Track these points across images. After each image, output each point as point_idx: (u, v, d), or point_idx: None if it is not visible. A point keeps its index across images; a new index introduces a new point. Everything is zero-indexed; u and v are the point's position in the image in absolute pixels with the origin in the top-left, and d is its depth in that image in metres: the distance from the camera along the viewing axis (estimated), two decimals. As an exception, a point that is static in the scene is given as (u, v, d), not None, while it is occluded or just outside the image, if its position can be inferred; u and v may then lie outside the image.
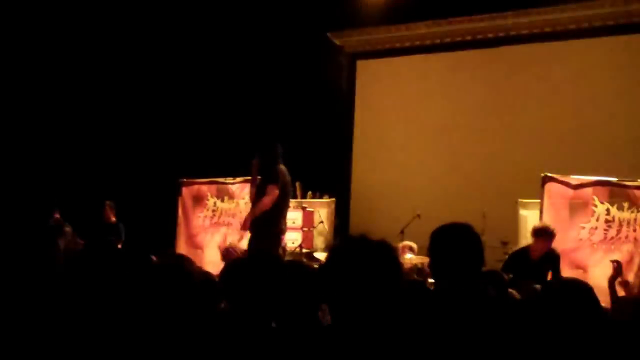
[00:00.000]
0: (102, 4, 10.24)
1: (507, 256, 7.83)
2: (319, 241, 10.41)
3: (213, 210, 10.37)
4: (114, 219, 10.06)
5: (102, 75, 10.85)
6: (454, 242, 2.97)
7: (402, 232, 9.81)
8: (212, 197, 10.35)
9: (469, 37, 11.09)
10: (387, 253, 2.06)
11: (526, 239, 9.09)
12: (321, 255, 8.80)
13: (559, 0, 10.17)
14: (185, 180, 10.56)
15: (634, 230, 7.87)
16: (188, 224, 10.46)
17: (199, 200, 10.42)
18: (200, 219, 10.40)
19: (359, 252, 2.04)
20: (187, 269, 2.97)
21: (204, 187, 10.45)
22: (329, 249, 2.12)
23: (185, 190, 10.54)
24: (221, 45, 11.25)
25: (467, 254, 2.96)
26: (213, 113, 11.55)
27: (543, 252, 7.13)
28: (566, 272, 7.33)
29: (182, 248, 10.28)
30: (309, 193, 10.73)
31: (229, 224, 10.09)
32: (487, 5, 10.40)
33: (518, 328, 2.77)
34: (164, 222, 10.43)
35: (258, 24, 11.01)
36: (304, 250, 9.74)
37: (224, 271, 3.32)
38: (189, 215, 10.47)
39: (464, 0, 10.40)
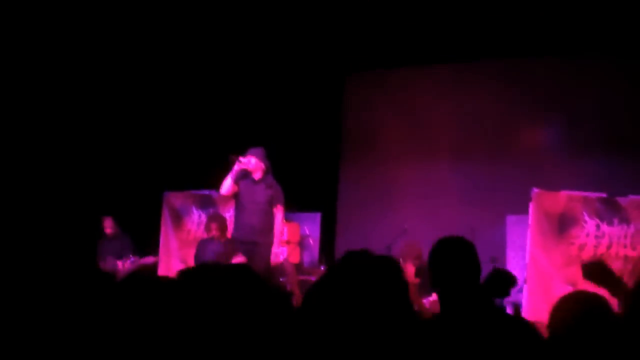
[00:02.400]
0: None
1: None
2: (305, 255, 10.31)
3: (198, 224, 10.26)
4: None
5: (88, 84, 10.71)
6: (454, 255, 3.19)
7: (388, 246, 9.73)
8: (197, 209, 10.24)
9: (458, 50, 11.02)
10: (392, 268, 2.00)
11: (515, 254, 9.06)
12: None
13: (548, 14, 10.11)
14: (169, 192, 10.45)
15: (624, 247, 7.80)
16: (172, 237, 10.33)
17: (183, 213, 10.30)
18: (184, 232, 10.29)
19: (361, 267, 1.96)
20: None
21: (189, 200, 10.34)
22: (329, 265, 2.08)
23: (169, 203, 10.43)
24: (205, 58, 11.17)
25: (467, 266, 3.18)
26: (199, 125, 11.45)
27: None
28: (556, 287, 7.26)
29: (165, 261, 10.15)
30: (295, 207, 10.62)
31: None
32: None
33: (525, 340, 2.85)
34: (147, 235, 10.30)
35: (243, 36, 10.93)
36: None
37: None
38: (173, 228, 10.35)
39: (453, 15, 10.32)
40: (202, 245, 9.10)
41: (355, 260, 1.99)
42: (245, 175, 7.59)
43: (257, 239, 7.42)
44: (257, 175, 7.55)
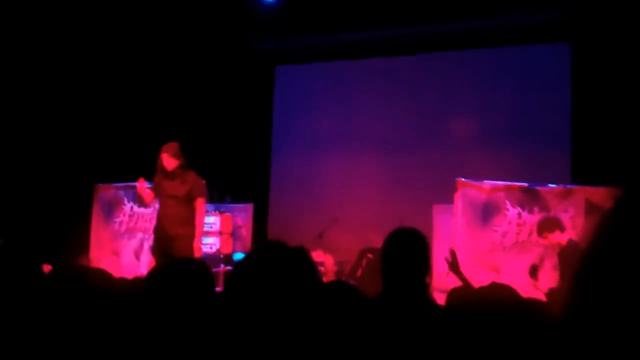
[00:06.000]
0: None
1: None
2: (237, 246, 10.39)
3: (130, 215, 10.26)
4: None
5: (15, 73, 10.56)
6: (409, 247, 3.25)
7: (320, 236, 9.91)
8: (129, 201, 10.24)
9: (385, 44, 11.23)
10: (304, 258, 2.07)
11: (441, 242, 9.31)
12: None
13: (469, 11, 10.38)
14: (101, 185, 10.41)
15: (544, 234, 8.11)
16: (103, 229, 10.30)
17: (115, 205, 10.29)
18: (116, 224, 10.27)
19: (275, 256, 2.03)
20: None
21: (121, 192, 10.32)
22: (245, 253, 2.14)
23: (101, 195, 10.39)
24: (136, 48, 11.12)
25: (419, 260, 3.23)
26: (128, 117, 11.39)
27: None
28: (481, 273, 7.52)
29: (96, 254, 10.12)
30: (227, 198, 10.70)
31: (145, 229, 10.00)
32: (405, 16, 10.51)
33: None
34: (77, 228, 10.22)
35: (173, 27, 10.91)
36: (222, 255, 9.73)
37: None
38: (105, 221, 10.32)
39: (382, 11, 10.50)
40: None
41: (269, 249, 2.09)
42: (163, 172, 7.57)
43: (175, 233, 7.41)
44: (172, 171, 7.52)
